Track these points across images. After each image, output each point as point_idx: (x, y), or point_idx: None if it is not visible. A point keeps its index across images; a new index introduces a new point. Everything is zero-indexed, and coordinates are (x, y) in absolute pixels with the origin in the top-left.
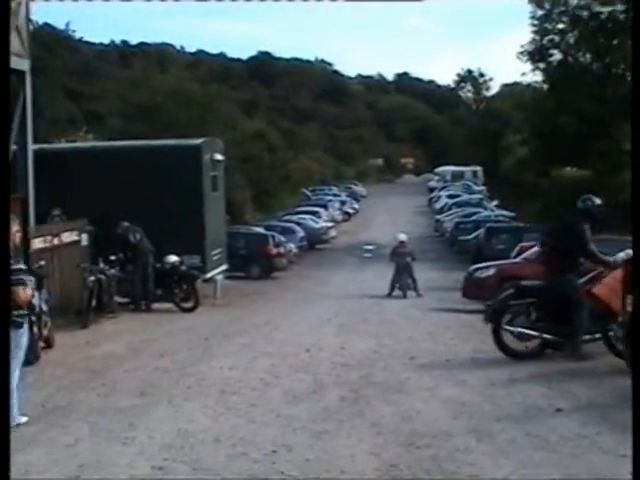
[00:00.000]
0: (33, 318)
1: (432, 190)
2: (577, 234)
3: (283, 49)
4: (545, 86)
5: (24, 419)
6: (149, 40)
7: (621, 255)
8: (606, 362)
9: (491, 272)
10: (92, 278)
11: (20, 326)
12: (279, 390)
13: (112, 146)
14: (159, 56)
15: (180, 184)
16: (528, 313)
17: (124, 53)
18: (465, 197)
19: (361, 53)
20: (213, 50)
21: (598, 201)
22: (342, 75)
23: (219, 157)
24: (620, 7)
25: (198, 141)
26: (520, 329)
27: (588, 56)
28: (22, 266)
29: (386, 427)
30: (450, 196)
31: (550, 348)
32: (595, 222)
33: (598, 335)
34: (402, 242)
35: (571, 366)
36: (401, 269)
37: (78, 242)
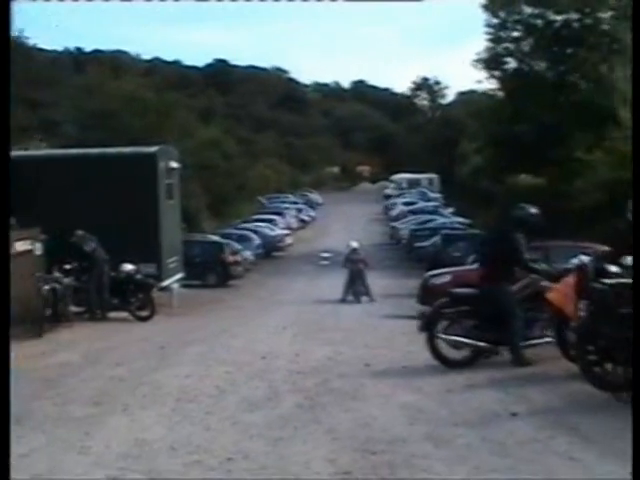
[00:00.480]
0: None
1: (388, 198)
2: (511, 243)
3: (239, 57)
4: (500, 94)
5: None
6: (103, 47)
7: (574, 261)
8: (561, 367)
9: (447, 279)
10: (47, 287)
11: None
12: (235, 398)
13: (66, 154)
14: (114, 63)
15: (135, 192)
16: (462, 321)
17: (78, 60)
18: (421, 204)
19: (317, 61)
20: (169, 57)
21: (533, 210)
22: (298, 83)
23: (174, 165)
24: (574, 15)
25: (153, 149)
26: (454, 337)
27: (543, 64)
28: None
29: (342, 433)
30: (406, 203)
31: (484, 356)
32: (530, 231)
33: (541, 340)
34: (354, 249)
35: (527, 371)
36: (354, 275)
37: (31, 251)
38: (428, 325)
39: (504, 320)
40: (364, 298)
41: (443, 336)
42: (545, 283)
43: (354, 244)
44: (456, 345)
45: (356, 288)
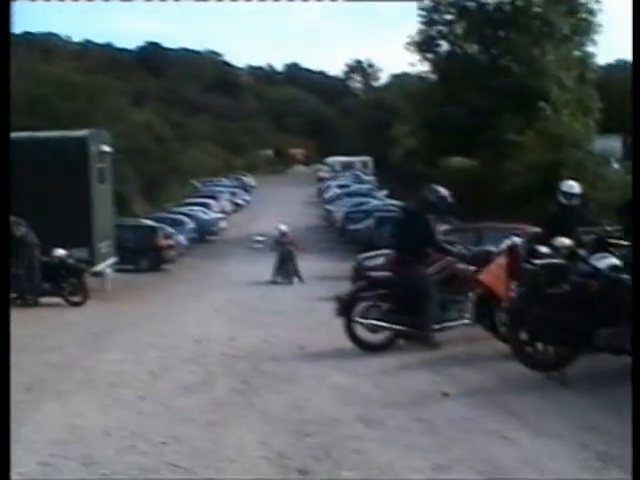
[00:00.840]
0: None
1: (322, 180)
2: (423, 225)
3: (172, 40)
4: (433, 77)
5: None
6: (34, 30)
7: (506, 242)
8: (492, 347)
9: (380, 261)
10: None
11: None
12: (168, 382)
13: None
14: (44, 46)
15: (66, 176)
16: (379, 305)
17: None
18: (355, 187)
19: (251, 44)
20: (100, 40)
21: (443, 192)
22: (232, 66)
23: (106, 149)
24: None
25: (84, 132)
26: (371, 321)
27: (475, 47)
28: None
29: (275, 416)
30: (340, 186)
31: (401, 339)
32: (440, 213)
33: (458, 322)
34: (283, 232)
35: (459, 352)
36: (284, 258)
37: None
38: (345, 309)
39: (420, 303)
40: (295, 279)
41: (360, 320)
42: (461, 265)
43: (283, 227)
44: (373, 329)
45: (286, 270)
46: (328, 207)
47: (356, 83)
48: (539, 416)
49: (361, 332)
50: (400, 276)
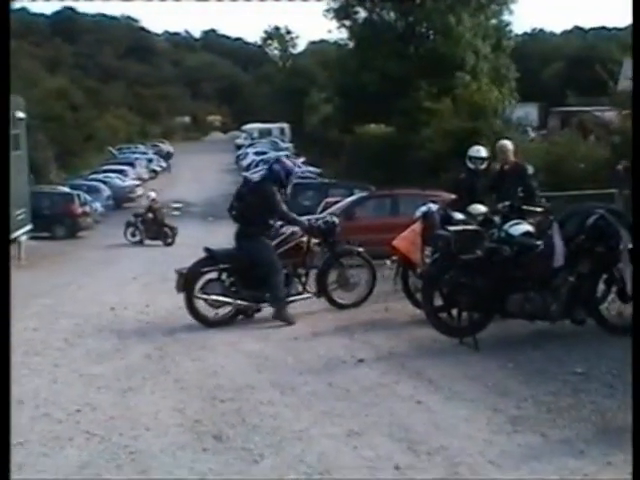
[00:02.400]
0: None
1: (239, 147)
2: (266, 196)
3: (88, 5)
4: (350, 44)
5: None
6: None
7: (422, 209)
8: (406, 313)
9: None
10: None
11: None
12: (83, 350)
13: None
14: None
15: None
16: (221, 279)
17: None
18: (272, 154)
19: (168, 9)
20: (14, 5)
21: (288, 163)
22: (149, 32)
23: (20, 115)
24: None
25: None
26: (213, 296)
27: (392, 14)
28: None
29: (190, 383)
30: (257, 153)
31: (243, 314)
32: (283, 184)
33: (301, 296)
34: (153, 199)
35: (373, 318)
36: (158, 221)
37: None
38: (186, 285)
39: (264, 276)
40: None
41: (201, 296)
42: (305, 237)
43: (152, 194)
44: (215, 304)
45: (160, 232)
46: (245, 174)
47: (274, 50)
48: (452, 381)
49: (203, 308)
50: (242, 249)
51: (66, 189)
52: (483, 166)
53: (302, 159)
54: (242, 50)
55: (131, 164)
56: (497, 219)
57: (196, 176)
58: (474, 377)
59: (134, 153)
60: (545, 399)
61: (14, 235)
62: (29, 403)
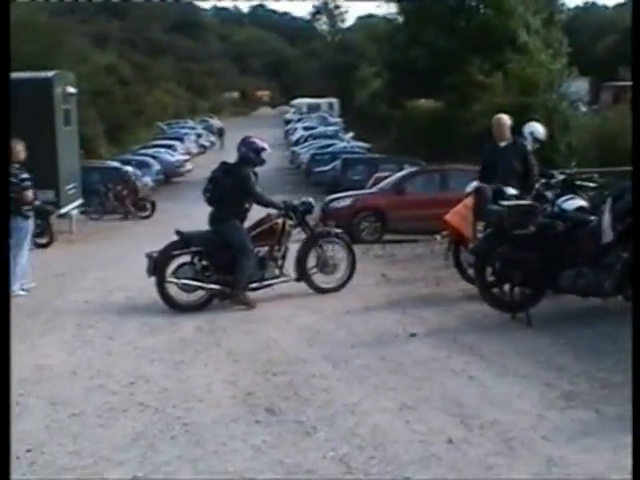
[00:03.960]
0: None
1: (288, 122)
2: (240, 178)
3: None
4: (399, 18)
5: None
6: None
7: (473, 184)
8: (459, 289)
9: (347, 202)
10: None
11: (28, 217)
12: (136, 323)
13: None
14: None
15: (32, 118)
16: (194, 263)
17: None
18: (321, 129)
19: None
20: None
21: (259, 143)
22: (196, 7)
23: (71, 90)
24: None
25: (50, 74)
26: (184, 280)
27: None
28: (27, 175)
29: (242, 356)
30: (306, 128)
31: (217, 298)
32: (254, 164)
33: (276, 280)
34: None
35: (425, 293)
36: None
37: None
38: (156, 269)
39: (235, 261)
40: None
41: (172, 280)
42: (281, 220)
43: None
44: (187, 289)
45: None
46: (294, 149)
47: (322, 25)
48: (504, 356)
49: (175, 292)
50: (215, 232)
51: (117, 164)
52: (536, 146)
53: (351, 134)
54: (290, 25)
55: (180, 139)
56: (550, 194)
57: None
58: (526, 353)
59: (183, 128)
60: (599, 375)
61: (65, 210)
62: (83, 375)
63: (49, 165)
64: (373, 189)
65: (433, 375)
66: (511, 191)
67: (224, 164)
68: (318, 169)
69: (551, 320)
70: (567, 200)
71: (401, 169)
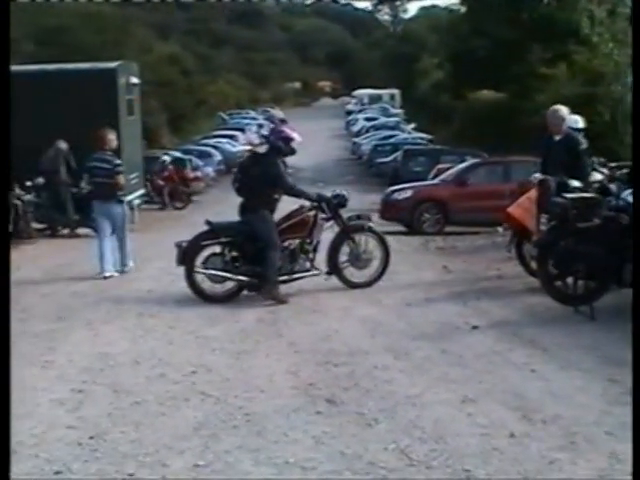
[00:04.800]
0: None
1: (349, 113)
2: (270, 169)
3: None
4: (462, 9)
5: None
6: None
7: (536, 175)
8: (521, 281)
9: (408, 194)
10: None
11: (122, 202)
12: (197, 312)
13: (25, 71)
14: None
15: (96, 108)
16: (223, 254)
17: None
18: (382, 120)
19: None
20: None
21: (291, 134)
22: None
23: (135, 80)
24: None
25: (113, 64)
26: (213, 271)
27: None
28: (119, 160)
29: (303, 346)
30: (367, 119)
31: (246, 290)
32: (284, 154)
33: (307, 273)
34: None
35: (487, 285)
36: None
37: None
38: (185, 258)
39: (263, 252)
40: None
41: (201, 270)
42: (313, 212)
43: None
44: (216, 279)
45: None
46: (356, 140)
47: (384, 15)
48: (567, 350)
49: (204, 282)
50: (244, 223)
51: (178, 154)
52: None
53: (412, 125)
54: (352, 15)
55: (242, 129)
56: (614, 187)
57: (306, 141)
58: (589, 347)
59: (244, 119)
60: None
61: (128, 199)
62: (145, 364)
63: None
64: (434, 180)
65: (495, 368)
66: (575, 183)
67: (253, 154)
68: (379, 160)
69: (615, 314)
70: (632, 193)
71: (463, 160)
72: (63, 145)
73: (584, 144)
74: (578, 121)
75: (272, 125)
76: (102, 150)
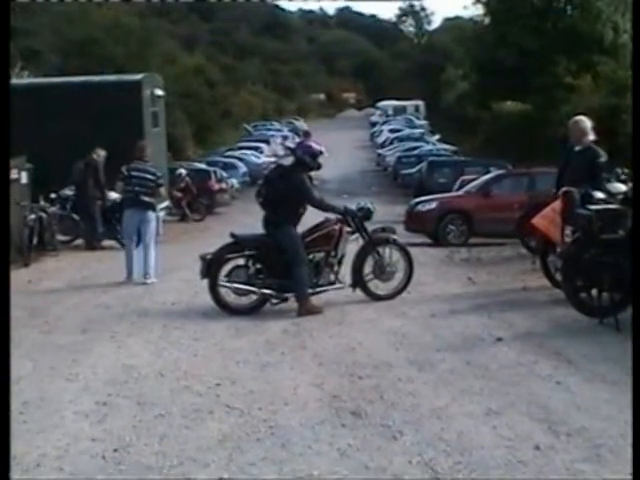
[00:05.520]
0: None
1: (374, 124)
2: (295, 183)
3: None
4: (486, 20)
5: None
6: None
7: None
8: (545, 293)
9: (433, 205)
10: (33, 216)
11: (156, 213)
12: (221, 324)
13: (50, 83)
14: None
15: (121, 120)
16: (247, 266)
17: None
18: (407, 131)
19: None
20: None
21: (315, 146)
22: (283, 10)
23: (159, 92)
24: None
25: (138, 76)
26: (237, 284)
27: None
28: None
29: (328, 358)
30: (392, 130)
31: (270, 303)
32: (310, 168)
33: (331, 287)
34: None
35: (511, 297)
36: None
37: (17, 180)
38: (209, 271)
39: (289, 265)
40: None
41: (225, 283)
42: (338, 226)
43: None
44: (239, 292)
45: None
46: (380, 151)
47: (409, 27)
48: (592, 362)
49: (228, 295)
50: (269, 236)
51: (203, 165)
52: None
53: (437, 136)
54: (376, 27)
55: (266, 141)
56: None
57: (331, 153)
58: (615, 359)
59: (269, 130)
60: None
61: None
62: (169, 376)
63: None
64: (459, 192)
65: (520, 380)
66: (599, 195)
67: (279, 167)
68: (404, 171)
69: None
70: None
71: (487, 172)
72: (99, 154)
73: (604, 157)
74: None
75: (299, 139)
76: (141, 160)
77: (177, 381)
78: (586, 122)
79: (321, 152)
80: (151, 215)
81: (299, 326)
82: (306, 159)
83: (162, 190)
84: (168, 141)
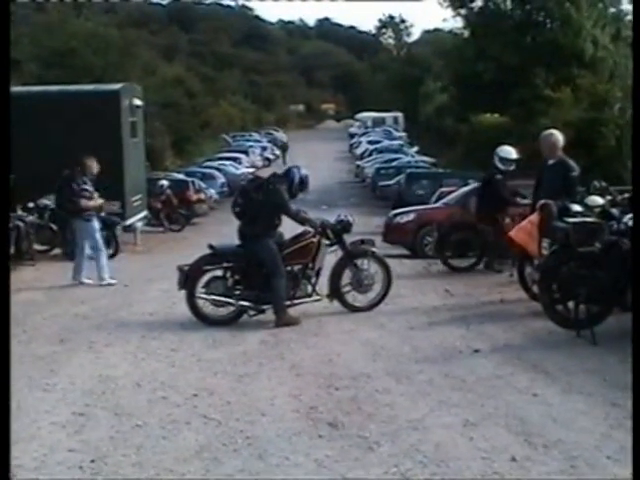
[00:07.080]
0: None
1: (353, 136)
2: (274, 195)
3: None
4: (466, 33)
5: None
6: None
7: (540, 201)
8: (523, 305)
9: (411, 217)
10: (10, 225)
11: (89, 220)
12: (199, 335)
13: (28, 91)
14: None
15: (99, 130)
16: (225, 278)
17: None
18: (386, 143)
19: None
20: None
21: (305, 174)
22: (263, 20)
23: (138, 103)
24: None
25: (117, 86)
26: (214, 296)
27: (509, 3)
28: (90, 187)
29: (306, 369)
30: (371, 142)
31: (247, 314)
32: (291, 189)
33: (309, 299)
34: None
35: (489, 309)
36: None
37: None
38: (187, 282)
39: (267, 278)
40: None
41: (202, 295)
42: (317, 238)
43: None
44: (217, 304)
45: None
46: (359, 163)
47: (388, 39)
48: (569, 374)
49: (205, 306)
50: (246, 248)
51: (181, 176)
52: (512, 167)
53: (416, 148)
54: (356, 38)
55: (245, 152)
56: (616, 211)
57: (310, 164)
58: (591, 370)
59: (248, 141)
60: None
61: (131, 221)
62: (147, 386)
63: (115, 177)
64: (437, 203)
65: (497, 392)
66: (576, 208)
67: (256, 178)
68: (382, 183)
69: (617, 338)
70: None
71: (466, 184)
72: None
73: (576, 170)
74: (511, 152)
75: (292, 169)
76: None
77: (154, 392)
78: (557, 136)
79: (307, 181)
80: (80, 223)
81: (277, 337)
82: (295, 179)
83: (83, 202)
84: (147, 151)
